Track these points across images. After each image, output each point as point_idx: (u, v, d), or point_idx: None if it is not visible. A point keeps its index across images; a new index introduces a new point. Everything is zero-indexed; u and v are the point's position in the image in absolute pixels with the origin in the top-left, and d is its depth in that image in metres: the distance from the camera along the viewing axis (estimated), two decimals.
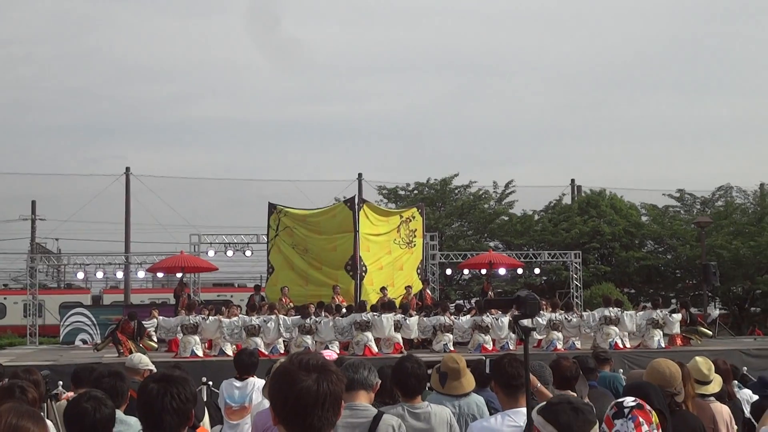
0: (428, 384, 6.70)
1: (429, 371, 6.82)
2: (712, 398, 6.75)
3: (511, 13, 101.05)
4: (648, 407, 4.10)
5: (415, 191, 44.71)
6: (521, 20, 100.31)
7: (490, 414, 6.87)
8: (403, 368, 6.11)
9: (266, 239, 27.39)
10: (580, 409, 3.72)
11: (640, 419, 4.01)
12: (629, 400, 4.10)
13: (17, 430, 3.29)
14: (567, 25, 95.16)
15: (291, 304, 23.41)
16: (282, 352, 20.54)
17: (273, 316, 20.96)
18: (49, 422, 6.11)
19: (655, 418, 4.10)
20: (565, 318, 22.01)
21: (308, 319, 20.68)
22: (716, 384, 6.93)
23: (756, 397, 8.71)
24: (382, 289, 24.36)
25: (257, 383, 9.36)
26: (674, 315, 22.58)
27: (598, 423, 3.82)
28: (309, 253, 26.06)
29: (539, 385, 5.96)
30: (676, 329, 22.48)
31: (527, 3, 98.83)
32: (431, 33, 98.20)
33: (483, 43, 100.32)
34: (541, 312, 20.69)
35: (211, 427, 9.47)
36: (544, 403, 3.98)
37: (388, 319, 20.82)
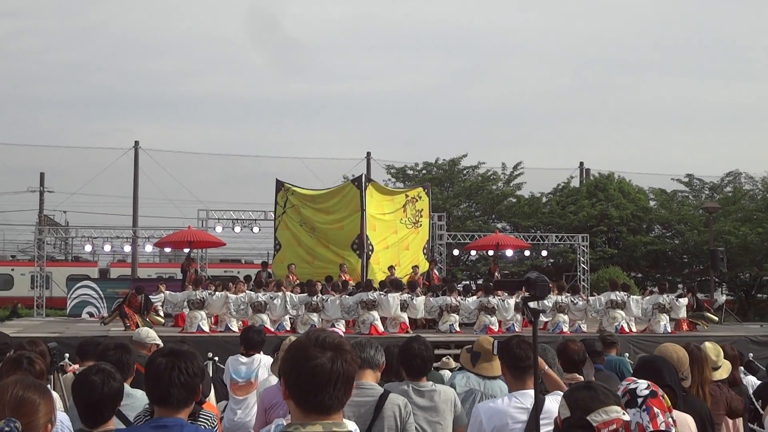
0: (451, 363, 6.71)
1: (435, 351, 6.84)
2: (720, 383, 6.72)
3: None
4: (660, 393, 4.05)
5: (424, 171, 44.69)
6: (532, 0, 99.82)
7: None
8: (410, 349, 6.11)
9: (273, 216, 27.41)
10: (594, 388, 3.69)
11: (655, 410, 3.95)
12: (642, 387, 4.04)
13: (23, 402, 3.28)
14: (577, 6, 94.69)
15: (297, 281, 23.44)
16: (288, 329, 20.57)
17: (280, 293, 20.97)
18: (55, 394, 6.13)
19: (667, 401, 4.06)
20: (571, 301, 22.03)
21: (315, 297, 20.69)
22: (725, 370, 6.90)
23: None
24: (390, 268, 24.38)
25: (263, 359, 9.38)
26: (681, 299, 22.55)
27: (620, 405, 3.76)
28: (316, 232, 26.09)
29: (546, 367, 5.95)
30: (683, 313, 22.45)
31: None
32: (441, 11, 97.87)
33: (492, 22, 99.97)
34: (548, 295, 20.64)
35: (217, 402, 9.49)
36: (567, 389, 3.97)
37: (395, 298, 20.82)
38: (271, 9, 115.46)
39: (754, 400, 7.90)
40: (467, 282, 30.62)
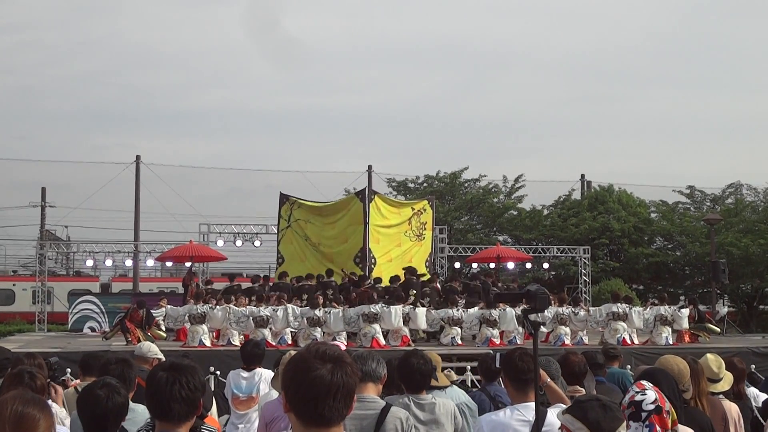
0: None
1: None
2: (721, 396, 6.70)
3: (522, 4, 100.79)
4: (666, 408, 4.04)
5: (425, 184, 44.70)
6: (533, 11, 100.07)
7: (486, 406, 6.93)
8: (408, 364, 6.08)
9: (276, 229, 27.41)
10: (609, 407, 3.69)
11: (657, 428, 3.95)
12: (649, 401, 4.03)
13: (23, 417, 3.28)
14: (578, 18, 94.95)
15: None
16: (290, 342, 20.55)
17: (281, 306, 20.95)
18: (56, 408, 6.13)
19: (673, 415, 4.05)
20: (573, 312, 22.01)
21: (317, 310, 20.68)
22: (726, 382, 6.88)
23: (764, 396, 8.69)
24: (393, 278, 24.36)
25: (264, 374, 9.37)
26: (683, 310, 22.51)
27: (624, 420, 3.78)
28: (321, 246, 26.09)
29: (549, 380, 5.94)
30: (685, 325, 22.41)
31: None
32: (441, 23, 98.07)
33: (493, 34, 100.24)
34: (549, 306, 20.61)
35: (219, 416, 9.48)
36: (572, 402, 3.96)
37: (397, 311, 20.80)
38: (271, 20, 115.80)
39: (756, 412, 7.89)
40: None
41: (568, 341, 21.29)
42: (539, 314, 4.87)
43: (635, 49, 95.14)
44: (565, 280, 38.33)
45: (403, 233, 26.86)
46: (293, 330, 21.07)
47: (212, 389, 14.16)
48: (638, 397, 4.05)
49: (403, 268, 24.58)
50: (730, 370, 7.15)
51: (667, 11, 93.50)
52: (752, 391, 9.12)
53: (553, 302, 21.67)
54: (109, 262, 33.26)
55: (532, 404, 5.10)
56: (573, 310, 22.05)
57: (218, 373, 15.96)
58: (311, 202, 27.15)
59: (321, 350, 3.06)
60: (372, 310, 20.65)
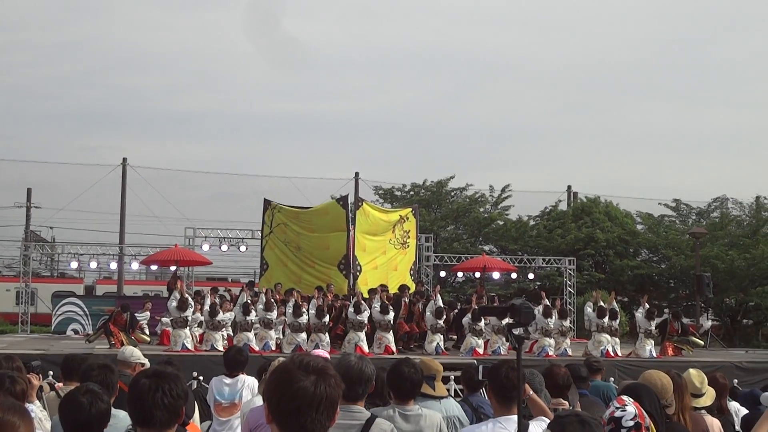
0: None
1: None
2: (703, 411, 6.71)
3: (512, 14, 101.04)
4: (646, 423, 4.07)
5: (411, 192, 44.72)
6: (521, 21, 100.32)
7: (469, 417, 6.90)
8: (399, 372, 6.06)
9: (261, 235, 27.40)
10: (587, 422, 3.69)
11: None
12: (628, 418, 4.06)
13: (2, 424, 3.25)
14: (566, 29, 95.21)
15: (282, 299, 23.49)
16: (273, 348, 20.53)
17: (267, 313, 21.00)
18: (37, 412, 6.09)
19: (652, 430, 4.07)
20: (558, 323, 22.09)
21: (300, 318, 20.68)
22: (708, 397, 6.89)
23: (744, 410, 8.72)
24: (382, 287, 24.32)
25: (247, 380, 9.34)
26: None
27: None
28: (301, 251, 26.06)
29: (531, 392, 5.94)
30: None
31: (527, 3, 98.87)
32: (429, 31, 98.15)
33: (481, 44, 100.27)
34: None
35: (201, 422, 9.44)
36: (554, 416, 3.97)
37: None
38: (264, 24, 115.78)
39: (740, 430, 7.90)
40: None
41: (552, 352, 21.33)
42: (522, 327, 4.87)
43: (623, 62, 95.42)
44: (550, 291, 38.38)
45: (387, 241, 26.91)
46: (279, 338, 21.16)
47: (194, 389, 14.12)
48: (618, 414, 4.07)
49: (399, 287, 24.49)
50: (712, 386, 7.16)
51: (656, 24, 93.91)
52: (733, 406, 9.15)
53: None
54: (93, 265, 33.15)
55: (515, 417, 5.10)
56: (560, 322, 22.17)
57: (201, 378, 15.91)
58: (292, 207, 27.12)
59: (305, 361, 3.04)
60: (357, 318, 20.70)
